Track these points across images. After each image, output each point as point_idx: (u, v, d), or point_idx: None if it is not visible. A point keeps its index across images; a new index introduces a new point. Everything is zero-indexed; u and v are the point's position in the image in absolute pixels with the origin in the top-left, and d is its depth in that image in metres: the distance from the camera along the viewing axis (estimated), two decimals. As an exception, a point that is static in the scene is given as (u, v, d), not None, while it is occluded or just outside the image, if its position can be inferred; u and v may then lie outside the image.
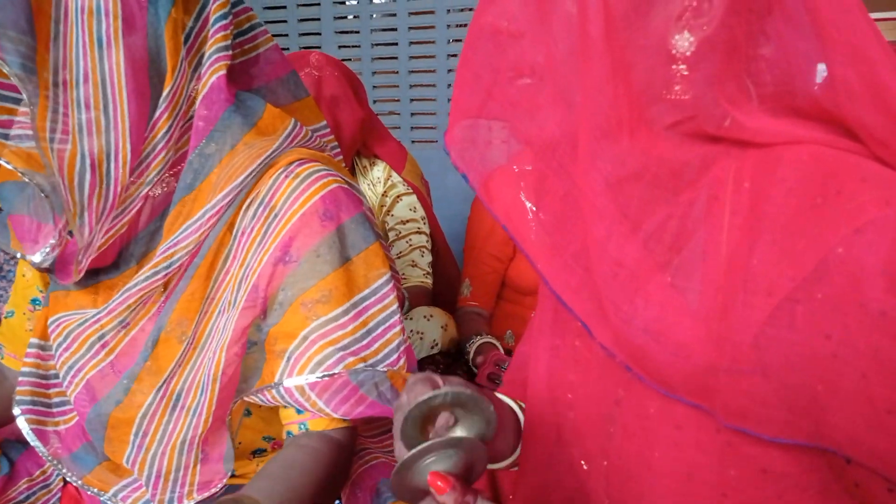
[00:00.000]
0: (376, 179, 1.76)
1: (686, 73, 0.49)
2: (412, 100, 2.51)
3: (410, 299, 1.62)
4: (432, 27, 2.42)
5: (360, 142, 1.70)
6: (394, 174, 1.77)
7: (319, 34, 2.55)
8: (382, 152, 1.76)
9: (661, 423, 0.54)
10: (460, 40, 2.43)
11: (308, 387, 0.75)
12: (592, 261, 0.53)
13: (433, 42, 2.44)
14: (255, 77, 0.87)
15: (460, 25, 2.40)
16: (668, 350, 0.50)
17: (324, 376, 0.74)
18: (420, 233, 1.75)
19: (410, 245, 1.72)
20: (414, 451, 0.49)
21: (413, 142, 2.52)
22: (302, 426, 0.80)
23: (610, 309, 0.53)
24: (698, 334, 0.49)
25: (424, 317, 1.56)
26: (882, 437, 0.42)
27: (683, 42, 0.48)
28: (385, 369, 0.77)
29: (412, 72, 2.48)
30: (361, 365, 0.76)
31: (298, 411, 0.80)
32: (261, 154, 0.77)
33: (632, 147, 0.51)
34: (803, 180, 0.46)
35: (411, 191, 1.77)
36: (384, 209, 1.75)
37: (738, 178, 0.49)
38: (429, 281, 1.72)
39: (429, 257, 1.75)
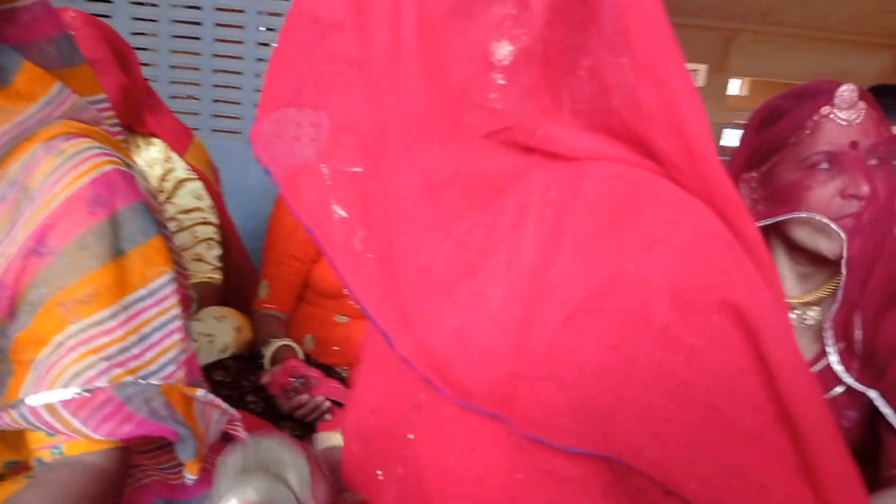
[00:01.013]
0: (153, 160, 1.56)
1: (503, 82, 0.49)
2: (215, 85, 2.33)
3: (198, 299, 1.48)
4: (241, 11, 2.28)
5: (125, 114, 1.47)
6: (174, 156, 1.58)
7: (111, 2, 2.28)
8: (160, 130, 1.57)
9: (458, 427, 0.54)
10: (274, 29, 2.31)
11: (60, 404, 0.64)
12: (399, 267, 0.52)
13: (242, 27, 2.30)
14: (12, 32, 0.73)
15: (273, 14, 2.29)
16: (473, 358, 0.50)
17: (82, 392, 0.63)
18: (207, 223, 1.59)
19: (195, 237, 1.57)
20: None
21: (214, 130, 2.35)
22: (55, 450, 0.67)
23: (416, 317, 0.51)
24: (501, 342, 0.49)
25: (215, 318, 1.44)
26: (659, 445, 0.45)
27: (502, 51, 0.48)
28: (159, 383, 0.68)
29: (217, 55, 2.31)
30: (130, 378, 0.66)
31: (50, 434, 0.67)
32: (8, 120, 0.64)
33: (445, 153, 0.50)
34: (603, 196, 0.48)
35: (196, 176, 1.60)
36: (163, 195, 1.57)
37: (546, 189, 0.50)
38: (218, 277, 1.59)
39: (217, 250, 1.61)
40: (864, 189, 0.83)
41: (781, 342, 0.44)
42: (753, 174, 0.90)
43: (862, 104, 0.84)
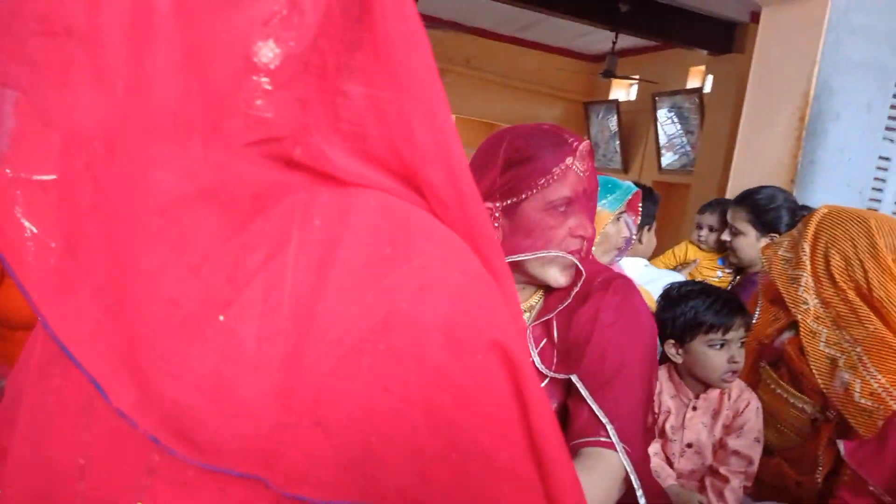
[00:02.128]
0: None
1: (269, 87, 0.43)
2: None
3: None
4: None
5: None
6: None
7: None
8: None
9: (203, 489, 0.46)
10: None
11: None
12: (133, 299, 0.42)
13: None
14: None
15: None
16: (227, 411, 0.42)
17: None
18: None
19: None
20: None
21: None
22: None
23: (152, 361, 0.42)
24: (263, 389, 0.42)
25: None
26: (424, 484, 0.44)
27: (268, 52, 0.42)
28: None
29: None
30: None
31: None
32: None
33: (207, 158, 0.42)
34: (374, 229, 0.45)
35: None
36: None
37: (309, 214, 0.45)
38: None
39: None
40: (590, 230, 0.98)
41: (534, 381, 0.46)
42: (497, 205, 0.97)
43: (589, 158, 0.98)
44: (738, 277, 2.29)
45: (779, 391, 1.45)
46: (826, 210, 1.45)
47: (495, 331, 0.45)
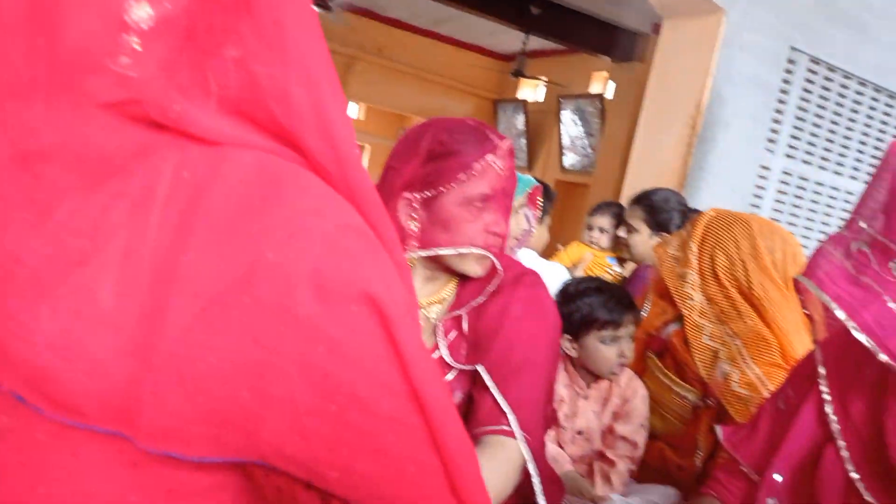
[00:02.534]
0: None
1: (139, 48, 0.41)
2: None
3: None
4: None
5: None
6: None
7: None
8: None
9: (53, 452, 0.44)
10: None
11: None
12: None
13: None
14: None
15: None
16: (80, 369, 0.40)
17: None
18: None
19: None
20: None
21: None
22: None
23: (4, 322, 0.39)
24: (118, 346, 0.41)
25: None
26: (302, 439, 0.43)
27: (140, 12, 0.40)
28: None
29: None
30: None
31: None
32: None
33: (50, 117, 0.41)
34: (245, 181, 0.44)
35: None
36: None
37: (178, 169, 0.44)
38: None
39: None
40: (504, 227, 1.00)
41: (411, 333, 0.47)
42: (416, 195, 0.96)
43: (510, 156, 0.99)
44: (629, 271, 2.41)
45: (664, 380, 1.53)
46: (713, 213, 1.54)
47: (367, 283, 0.44)
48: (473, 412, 0.95)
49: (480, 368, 0.94)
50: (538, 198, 1.83)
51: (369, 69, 7.07)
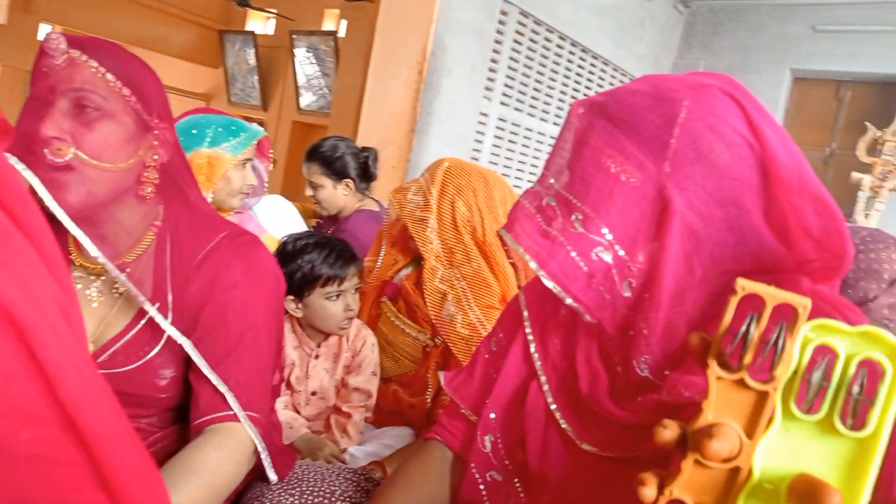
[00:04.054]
0: None
1: None
2: None
3: None
4: None
5: None
6: None
7: None
8: None
9: None
10: None
11: None
12: None
13: None
14: None
15: None
16: None
17: None
18: None
19: None
20: None
21: None
22: None
23: None
24: None
25: None
26: None
27: None
28: None
29: None
30: None
31: None
32: None
33: None
34: None
35: None
36: None
37: None
38: None
39: None
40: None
41: (61, 344, 0.37)
42: None
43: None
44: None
45: (396, 322, 1.58)
46: (449, 162, 1.59)
47: None
48: (193, 399, 0.86)
49: (189, 347, 0.85)
50: (270, 150, 1.73)
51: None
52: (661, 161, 0.73)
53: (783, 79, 5.06)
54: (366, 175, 2.29)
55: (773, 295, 0.40)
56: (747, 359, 0.39)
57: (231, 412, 0.84)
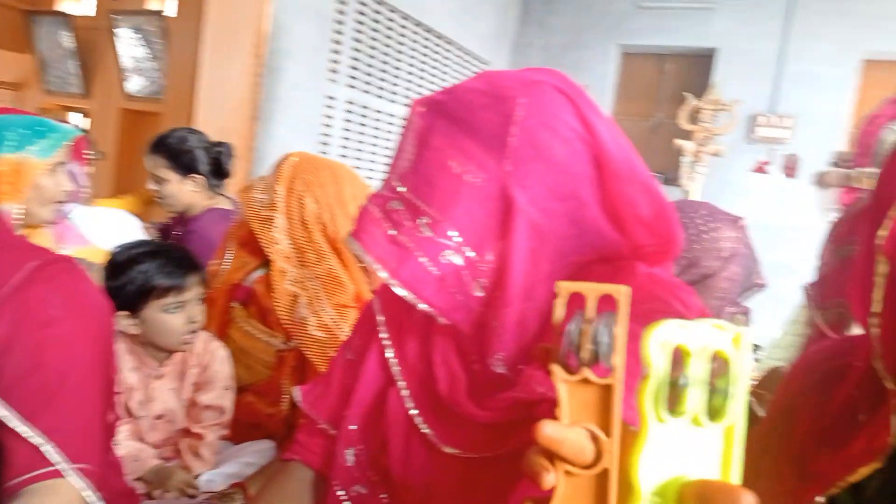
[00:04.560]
0: None
1: None
2: None
3: None
4: None
5: None
6: None
7: None
8: None
9: None
10: None
11: None
12: None
13: None
14: None
15: None
16: None
17: None
18: None
19: None
20: None
21: None
22: None
23: None
24: None
25: None
26: None
27: None
28: None
29: None
30: None
31: None
32: None
33: None
34: None
35: None
36: None
37: None
38: None
39: None
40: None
41: None
42: None
43: None
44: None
45: (248, 328, 1.49)
46: (297, 157, 1.51)
47: None
48: (5, 460, 0.75)
49: None
50: (85, 150, 1.55)
51: None
52: (501, 160, 0.73)
53: (612, 54, 5.39)
54: (218, 172, 2.12)
55: (592, 289, 0.40)
56: (584, 355, 0.39)
57: (52, 468, 0.74)
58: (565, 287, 0.41)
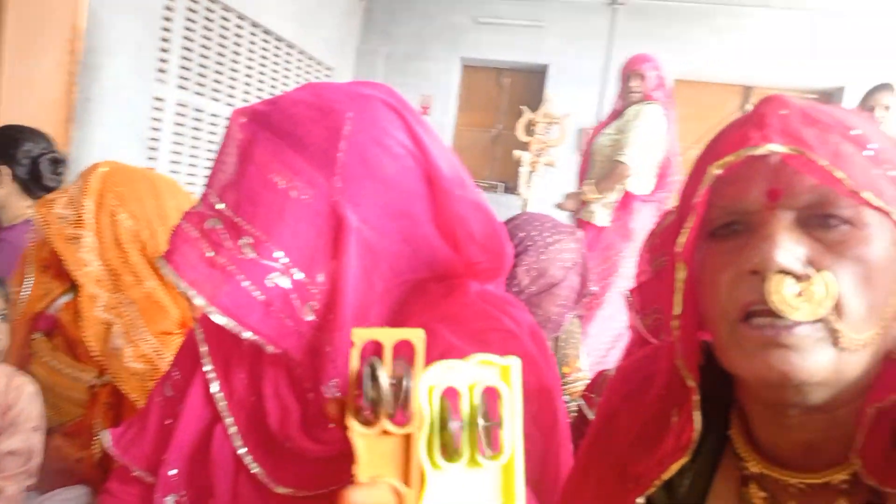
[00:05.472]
0: None
1: None
2: None
3: None
4: None
5: None
6: None
7: None
8: None
9: None
10: None
11: None
12: None
13: None
14: None
15: None
16: None
17: None
18: None
19: None
20: None
21: None
22: None
23: None
24: None
25: None
26: None
27: None
28: None
29: None
30: None
31: None
32: None
33: None
34: None
35: None
36: None
37: None
38: None
39: None
40: None
41: None
42: None
43: None
44: None
45: (53, 363, 1.32)
46: (108, 167, 1.35)
47: None
48: None
49: None
50: None
51: None
52: (331, 175, 0.69)
53: (454, 66, 5.52)
54: (33, 177, 1.85)
55: (388, 335, 0.39)
56: (383, 407, 0.38)
57: None
58: (360, 335, 0.39)
